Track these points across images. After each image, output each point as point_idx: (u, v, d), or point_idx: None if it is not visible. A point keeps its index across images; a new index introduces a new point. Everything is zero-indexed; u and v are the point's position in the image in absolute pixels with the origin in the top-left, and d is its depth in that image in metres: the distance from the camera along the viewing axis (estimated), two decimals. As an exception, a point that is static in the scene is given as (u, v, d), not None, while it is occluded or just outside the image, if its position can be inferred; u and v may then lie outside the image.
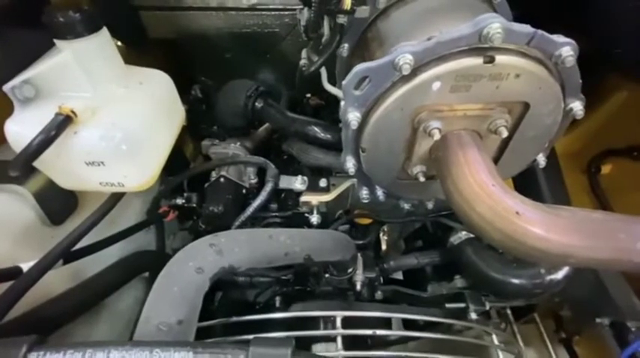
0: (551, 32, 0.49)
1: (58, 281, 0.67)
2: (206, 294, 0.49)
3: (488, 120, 0.55)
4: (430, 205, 0.76)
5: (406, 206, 0.80)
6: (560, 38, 0.48)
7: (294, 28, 1.11)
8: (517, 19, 0.85)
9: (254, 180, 1.01)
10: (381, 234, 0.95)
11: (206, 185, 0.99)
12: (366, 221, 0.90)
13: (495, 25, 0.45)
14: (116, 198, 0.70)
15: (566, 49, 0.47)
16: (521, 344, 1.00)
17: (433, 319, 0.65)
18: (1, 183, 0.64)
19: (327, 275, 0.82)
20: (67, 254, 0.60)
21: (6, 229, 0.62)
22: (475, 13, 0.53)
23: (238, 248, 0.53)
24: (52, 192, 0.68)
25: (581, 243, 0.45)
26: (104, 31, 0.61)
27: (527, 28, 0.47)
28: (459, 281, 0.89)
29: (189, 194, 1.01)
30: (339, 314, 0.59)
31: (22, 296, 0.50)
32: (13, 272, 0.52)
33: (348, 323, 0.65)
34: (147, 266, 0.87)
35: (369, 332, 0.60)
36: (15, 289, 0.49)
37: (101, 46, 0.60)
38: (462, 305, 0.83)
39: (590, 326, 0.88)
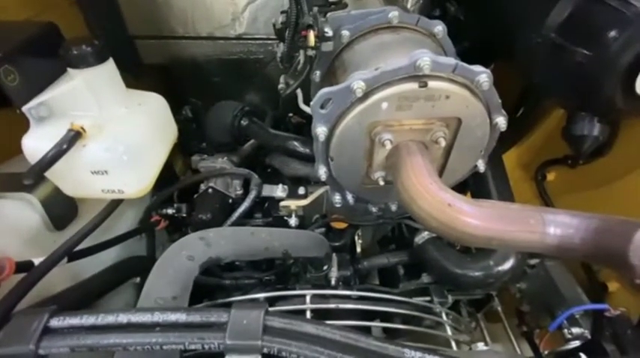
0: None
1: (58, 279, 0.74)
2: (193, 300, 0.56)
3: (430, 133, 0.68)
4: (394, 207, 0.88)
5: (374, 209, 0.91)
6: (477, 68, 0.62)
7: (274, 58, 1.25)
8: (469, 50, 1.01)
9: (240, 191, 1.11)
10: (356, 238, 1.06)
11: (195, 196, 1.09)
12: (342, 225, 1.01)
13: (426, 58, 0.59)
14: (114, 205, 0.79)
15: (483, 77, 0.61)
16: (488, 339, 1.10)
17: (395, 310, 0.75)
18: (12, 191, 0.73)
19: (308, 275, 0.91)
20: (71, 253, 0.68)
21: (16, 232, 0.70)
22: (418, 47, 0.68)
23: (224, 241, 0.63)
24: (57, 199, 0.77)
25: (499, 228, 0.57)
26: (110, 61, 0.72)
27: (450, 60, 0.61)
28: (425, 278, 1.00)
29: (179, 204, 1.11)
30: (309, 293, 0.69)
31: (34, 286, 0.58)
32: (26, 266, 0.60)
33: (322, 316, 0.74)
34: (138, 270, 0.95)
35: (332, 306, 0.69)
36: (28, 280, 0.57)
37: (108, 73, 0.72)
38: (428, 298, 0.94)
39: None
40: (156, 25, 1.33)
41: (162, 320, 0.44)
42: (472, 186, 1.00)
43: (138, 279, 0.99)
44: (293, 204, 0.90)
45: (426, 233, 0.96)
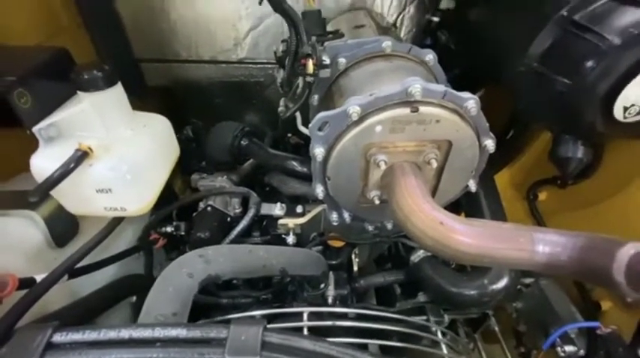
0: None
1: (55, 297, 0.74)
2: (191, 319, 0.57)
3: (422, 154, 0.71)
4: (390, 226, 0.90)
5: (371, 228, 0.93)
6: (465, 94, 0.66)
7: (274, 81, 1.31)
8: (460, 76, 1.07)
9: (238, 210, 1.13)
10: (352, 256, 1.07)
11: (194, 214, 1.11)
12: (339, 244, 1.02)
13: (417, 85, 0.63)
14: (115, 223, 0.81)
15: (471, 103, 0.65)
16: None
17: (391, 328, 0.76)
18: (17, 208, 0.74)
19: (305, 294, 0.92)
20: (72, 270, 0.69)
21: (19, 249, 0.72)
22: (410, 74, 0.73)
23: (223, 259, 0.65)
24: (60, 217, 0.79)
25: (490, 245, 0.59)
26: (119, 85, 0.76)
27: (440, 88, 0.65)
28: (421, 297, 1.01)
29: (177, 223, 1.12)
30: (306, 310, 0.69)
31: (35, 303, 0.59)
32: (29, 282, 0.61)
33: (319, 334, 0.74)
34: (136, 289, 0.95)
35: (329, 323, 0.70)
36: (30, 296, 0.58)
37: (116, 97, 0.76)
38: (424, 317, 0.94)
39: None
40: (160, 48, 1.39)
41: (162, 335, 0.45)
42: (465, 206, 1.03)
43: (134, 298, 0.99)
44: (291, 222, 0.92)
45: (422, 251, 0.98)
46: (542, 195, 1.16)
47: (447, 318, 0.95)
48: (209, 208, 1.07)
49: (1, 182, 0.89)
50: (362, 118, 0.67)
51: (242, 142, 1.13)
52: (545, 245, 0.60)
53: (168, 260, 1.26)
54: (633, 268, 0.50)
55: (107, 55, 1.30)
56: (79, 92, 0.74)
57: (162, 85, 1.46)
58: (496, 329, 1.12)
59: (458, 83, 0.88)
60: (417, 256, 0.98)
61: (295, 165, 1.04)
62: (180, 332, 0.45)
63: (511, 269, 0.90)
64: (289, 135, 1.40)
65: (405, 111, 0.65)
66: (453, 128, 0.68)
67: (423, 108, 0.65)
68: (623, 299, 0.86)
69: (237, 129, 1.15)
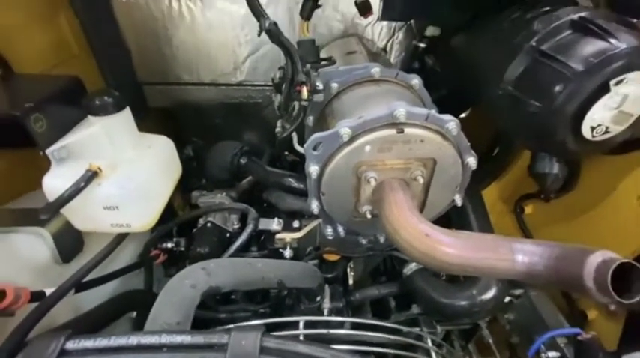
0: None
1: (58, 310, 0.77)
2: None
3: (409, 171, 0.77)
4: (382, 239, 0.94)
5: (364, 241, 0.97)
6: (446, 116, 0.73)
7: (271, 103, 1.39)
8: (446, 97, 1.14)
9: (237, 226, 1.18)
10: (348, 270, 1.11)
11: (194, 230, 1.15)
12: (334, 257, 1.06)
13: (402, 109, 0.70)
14: (119, 239, 0.85)
15: (451, 124, 0.72)
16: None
17: (383, 335, 0.79)
18: (27, 225, 0.79)
19: (302, 307, 0.95)
20: (79, 284, 0.73)
21: (28, 264, 0.75)
22: (397, 98, 0.79)
23: (223, 271, 0.69)
24: (67, 233, 0.83)
25: (473, 256, 0.64)
26: (127, 110, 0.83)
27: (423, 111, 0.71)
28: (415, 309, 1.04)
29: (178, 239, 1.16)
30: (302, 319, 0.73)
31: (46, 314, 0.62)
32: (39, 295, 0.65)
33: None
34: (137, 304, 0.98)
35: (323, 331, 0.73)
36: (40, 308, 0.62)
37: (124, 120, 0.82)
38: (418, 328, 0.97)
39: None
40: (163, 72, 1.47)
41: (168, 341, 0.49)
42: (455, 221, 1.08)
43: (134, 314, 1.02)
44: (288, 236, 0.96)
45: (414, 264, 1.02)
46: (529, 209, 1.21)
47: (439, 329, 0.98)
48: (209, 224, 1.12)
49: (8, 200, 0.93)
50: (352, 139, 0.73)
51: (241, 160, 1.19)
52: (524, 255, 0.65)
53: (166, 276, 1.29)
54: (601, 274, 0.54)
55: (113, 79, 1.37)
56: (89, 116, 0.80)
57: (164, 107, 1.53)
58: (490, 341, 1.15)
59: (445, 104, 0.95)
60: (409, 269, 1.02)
61: (292, 181, 1.09)
62: (185, 338, 0.49)
63: (499, 280, 0.94)
64: (286, 153, 1.46)
65: (392, 132, 0.71)
66: (436, 147, 0.74)
67: (407, 130, 0.71)
68: (607, 308, 0.91)
69: (236, 148, 1.20)
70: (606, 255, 0.56)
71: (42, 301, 0.63)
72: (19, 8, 1.05)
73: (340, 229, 0.91)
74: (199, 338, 0.50)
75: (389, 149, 0.74)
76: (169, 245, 1.13)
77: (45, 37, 1.15)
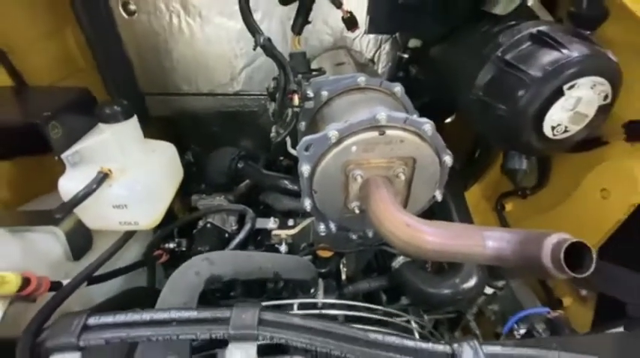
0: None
1: (73, 303, 0.84)
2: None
3: (392, 169, 0.85)
4: (370, 234, 1.02)
5: (354, 236, 1.05)
6: (423, 119, 0.82)
7: (266, 110, 1.48)
8: (429, 103, 1.24)
9: (235, 227, 1.25)
10: (341, 266, 1.18)
11: (194, 231, 1.22)
12: (327, 254, 1.14)
13: (382, 113, 0.79)
14: (126, 237, 0.93)
15: (427, 126, 0.81)
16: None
17: (373, 316, 0.86)
18: (42, 225, 0.86)
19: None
20: (90, 277, 0.80)
21: (42, 261, 0.82)
22: (380, 104, 0.88)
23: (224, 261, 0.76)
24: (78, 232, 0.90)
25: (447, 242, 0.72)
26: (134, 118, 0.91)
27: (401, 115, 0.80)
28: (404, 300, 1.11)
29: (179, 239, 1.23)
30: (297, 301, 0.80)
31: (63, 302, 0.69)
32: (57, 285, 0.72)
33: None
34: (141, 299, 1.04)
35: (315, 311, 0.80)
36: (58, 296, 0.68)
37: (132, 127, 0.90)
38: (406, 318, 1.04)
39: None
40: (163, 83, 1.57)
41: (177, 316, 0.56)
42: (439, 217, 1.16)
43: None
44: (283, 233, 1.04)
45: (401, 258, 1.10)
46: (509, 206, 1.30)
47: (426, 318, 1.06)
48: (208, 225, 1.19)
49: (22, 203, 1.00)
50: (340, 141, 0.81)
51: (239, 165, 1.27)
52: (494, 241, 0.73)
53: (166, 277, 1.35)
54: (556, 253, 0.62)
55: (116, 90, 1.46)
56: (100, 124, 0.88)
57: (165, 116, 1.61)
58: (477, 332, 1.22)
59: (429, 110, 1.04)
60: (397, 262, 1.10)
61: (287, 183, 1.18)
62: (192, 314, 0.56)
63: (479, 270, 1.02)
64: (281, 158, 1.55)
65: (374, 134, 0.80)
66: (414, 147, 0.83)
67: (388, 131, 0.80)
68: (579, 294, 0.99)
69: (234, 153, 1.29)
70: (560, 237, 0.64)
71: (59, 290, 0.70)
72: (30, 26, 1.14)
73: (332, 225, 0.99)
74: (205, 314, 0.57)
75: (373, 149, 0.82)
76: (171, 245, 1.20)
77: (54, 52, 1.24)
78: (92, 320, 0.56)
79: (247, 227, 1.06)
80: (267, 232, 1.10)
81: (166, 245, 1.20)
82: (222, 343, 0.54)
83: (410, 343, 0.54)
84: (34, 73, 1.12)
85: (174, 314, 0.56)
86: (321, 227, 0.99)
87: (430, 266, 1.16)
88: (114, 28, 1.42)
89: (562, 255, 0.60)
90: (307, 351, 0.57)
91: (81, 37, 1.34)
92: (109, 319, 0.56)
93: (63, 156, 0.83)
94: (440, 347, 0.54)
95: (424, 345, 0.54)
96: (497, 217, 1.31)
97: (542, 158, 1.09)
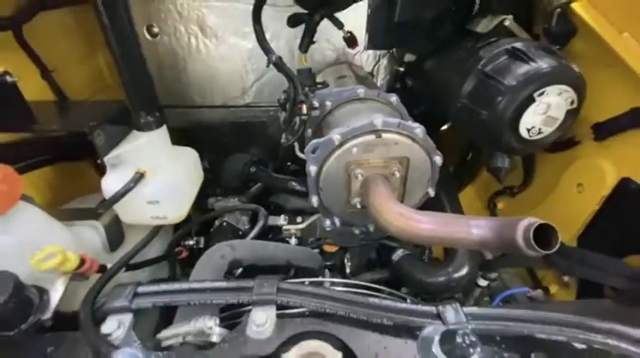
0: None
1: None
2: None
3: (388, 168, 0.98)
4: (371, 228, 1.15)
5: (357, 231, 1.17)
6: (414, 124, 0.95)
7: (276, 119, 1.63)
8: (425, 112, 1.38)
9: (248, 226, 1.38)
10: (345, 260, 1.30)
11: (211, 230, 1.35)
12: (332, 248, 1.26)
13: (379, 119, 0.92)
14: (155, 231, 1.06)
15: (417, 130, 0.94)
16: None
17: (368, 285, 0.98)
18: (84, 219, 1.00)
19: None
20: (127, 264, 0.93)
21: (87, 250, 0.95)
22: (377, 112, 1.02)
23: (244, 249, 0.89)
24: (114, 227, 1.04)
25: (437, 228, 0.84)
26: (164, 127, 1.06)
27: (395, 120, 0.94)
28: (404, 290, 1.22)
29: (197, 238, 1.36)
30: (306, 280, 0.92)
31: (108, 283, 0.82)
32: (103, 268, 0.85)
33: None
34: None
35: (307, 279, 0.92)
36: (105, 277, 0.81)
37: (162, 135, 1.04)
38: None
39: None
40: (181, 97, 1.73)
41: (210, 286, 0.69)
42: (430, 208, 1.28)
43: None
44: (293, 228, 1.17)
45: (401, 251, 1.22)
46: (501, 205, 1.42)
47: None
48: (224, 223, 1.32)
49: (60, 203, 1.15)
50: (342, 143, 0.95)
51: (251, 169, 1.41)
52: (478, 228, 0.85)
53: (183, 275, 1.47)
54: (527, 234, 0.74)
55: (138, 104, 1.62)
56: (135, 131, 1.02)
57: (182, 126, 1.77)
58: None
59: (426, 119, 1.17)
60: (397, 255, 1.22)
61: (295, 185, 1.31)
62: (222, 284, 0.69)
63: (470, 260, 1.13)
64: (289, 163, 1.69)
65: (372, 137, 0.93)
66: (408, 148, 0.96)
67: (384, 135, 0.94)
68: (562, 281, 1.10)
69: (246, 159, 1.44)
70: (531, 221, 0.76)
71: (106, 271, 0.83)
72: (70, 50, 1.32)
73: (337, 221, 1.12)
74: (232, 284, 0.69)
75: (371, 150, 0.96)
76: (190, 242, 1.33)
77: (88, 72, 1.41)
78: (141, 289, 0.68)
79: (260, 223, 1.19)
80: (278, 228, 1.23)
81: (186, 242, 1.33)
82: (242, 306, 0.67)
83: (402, 305, 0.66)
84: (72, 90, 1.29)
85: (208, 285, 0.69)
86: (327, 222, 1.12)
87: (427, 258, 1.27)
88: (138, 48, 1.59)
89: (531, 235, 0.72)
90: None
91: (109, 58, 1.51)
92: (155, 288, 0.68)
93: (105, 159, 0.97)
94: (427, 308, 0.65)
95: (414, 307, 0.66)
96: (490, 215, 1.42)
97: (526, 160, 1.22)
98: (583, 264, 1.00)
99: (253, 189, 1.52)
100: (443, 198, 1.23)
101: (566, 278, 1.07)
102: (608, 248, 0.97)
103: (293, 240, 1.17)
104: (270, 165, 1.62)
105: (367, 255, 1.37)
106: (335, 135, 0.94)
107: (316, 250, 1.21)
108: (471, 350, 0.49)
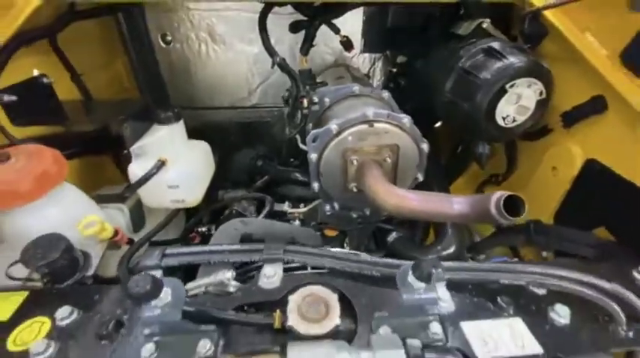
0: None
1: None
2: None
3: (380, 154, 1.12)
4: (367, 212, 1.28)
5: (354, 215, 1.30)
6: (402, 114, 1.09)
7: (281, 119, 1.78)
8: (417, 109, 1.52)
9: (254, 214, 1.51)
10: (344, 244, 1.43)
11: (221, 217, 1.48)
12: (332, 233, 1.39)
13: (370, 111, 1.06)
14: (174, 214, 1.20)
15: (405, 120, 1.08)
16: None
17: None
18: (112, 203, 1.14)
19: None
20: (150, 240, 1.07)
21: (114, 229, 1.09)
22: (370, 106, 1.16)
23: (254, 225, 1.02)
24: (137, 210, 1.17)
25: (425, 205, 0.97)
26: (182, 121, 1.20)
27: (384, 111, 1.08)
28: (398, 270, 1.34)
29: (209, 225, 1.50)
30: (308, 249, 1.05)
31: (134, 254, 0.95)
32: (131, 241, 0.98)
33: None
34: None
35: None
36: (134, 247, 0.94)
37: (179, 128, 1.19)
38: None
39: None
40: (190, 99, 1.89)
41: (227, 248, 0.82)
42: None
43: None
44: (296, 211, 1.30)
45: (395, 233, 1.34)
46: (488, 192, 1.54)
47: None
48: (233, 211, 1.45)
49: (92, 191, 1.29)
50: (339, 132, 1.09)
51: (258, 163, 1.55)
52: (459, 203, 0.97)
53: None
54: (498, 204, 0.87)
55: (156, 103, 1.78)
56: (156, 125, 1.17)
57: (191, 126, 1.91)
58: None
59: (419, 116, 1.29)
60: (392, 237, 1.34)
61: (298, 175, 1.45)
62: (237, 247, 0.82)
63: (457, 240, 1.26)
64: (292, 159, 1.83)
65: (365, 126, 1.07)
66: (397, 136, 1.10)
67: (376, 124, 1.07)
68: (541, 256, 1.22)
69: (253, 153, 1.58)
70: (502, 193, 0.89)
71: (134, 243, 0.97)
72: (94, 57, 1.48)
73: (335, 205, 1.25)
74: (245, 246, 0.83)
75: (365, 139, 1.10)
76: (203, 229, 1.46)
77: (109, 75, 1.57)
78: (169, 251, 0.82)
79: (267, 208, 1.32)
80: (282, 213, 1.36)
81: (199, 229, 1.46)
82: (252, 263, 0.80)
83: (389, 260, 0.79)
84: (96, 91, 1.45)
85: (225, 247, 0.83)
86: (327, 207, 1.25)
87: (418, 239, 1.39)
88: (153, 55, 1.75)
89: (502, 204, 0.85)
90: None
91: (127, 64, 1.68)
92: (181, 250, 0.82)
93: (131, 149, 1.12)
94: (407, 262, 0.78)
95: (398, 261, 0.78)
96: (479, 202, 1.54)
97: (509, 150, 1.35)
98: (558, 239, 1.13)
99: (259, 182, 1.66)
100: (434, 188, 1.36)
101: (544, 254, 1.19)
102: (580, 223, 1.09)
103: (297, 223, 1.30)
104: (275, 161, 1.76)
105: (365, 238, 1.50)
106: (333, 125, 1.08)
107: (318, 233, 1.34)
108: (434, 270, 0.62)
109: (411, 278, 0.67)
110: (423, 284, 0.66)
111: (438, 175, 1.42)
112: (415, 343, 0.57)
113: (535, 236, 1.16)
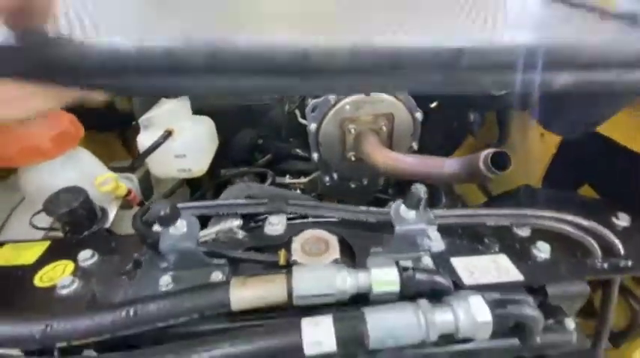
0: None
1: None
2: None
3: (376, 123, 1.19)
4: (365, 182, 1.35)
5: (353, 185, 1.37)
6: (396, 88, 1.16)
7: (279, 101, 1.85)
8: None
9: (257, 191, 1.58)
10: (344, 217, 1.50)
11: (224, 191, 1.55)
12: (332, 204, 1.45)
13: (367, 80, 1.13)
14: (182, 182, 1.27)
15: (399, 91, 1.15)
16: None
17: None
18: (122, 173, 1.20)
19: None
20: (159, 206, 1.13)
21: (124, 197, 1.16)
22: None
23: (258, 188, 1.09)
24: (146, 180, 1.24)
25: (418, 166, 1.04)
26: (186, 97, 1.27)
27: (381, 81, 1.15)
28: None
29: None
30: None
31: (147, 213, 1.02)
32: (142, 203, 1.05)
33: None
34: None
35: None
36: (145, 208, 1.01)
37: (185, 102, 1.26)
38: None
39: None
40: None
41: (235, 202, 0.89)
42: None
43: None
44: (297, 181, 1.37)
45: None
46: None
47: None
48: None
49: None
50: (337, 102, 1.16)
51: (259, 141, 1.62)
52: (449, 164, 1.04)
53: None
54: (486, 160, 0.93)
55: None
56: (163, 98, 1.24)
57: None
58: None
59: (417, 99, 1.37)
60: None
61: (298, 151, 1.52)
62: (243, 201, 0.89)
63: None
64: (291, 139, 1.90)
65: (361, 96, 1.14)
66: (392, 105, 1.17)
67: (372, 94, 1.14)
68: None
69: (254, 132, 1.64)
70: (490, 150, 0.96)
71: (144, 205, 1.03)
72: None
73: (334, 175, 1.32)
74: (251, 201, 0.90)
75: (361, 108, 1.17)
76: (207, 204, 1.53)
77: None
78: (181, 205, 0.88)
79: (268, 182, 1.39)
80: (284, 186, 1.43)
81: (203, 203, 1.53)
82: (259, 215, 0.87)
83: (381, 209, 0.86)
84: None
85: (233, 201, 0.90)
86: (326, 178, 1.32)
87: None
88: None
89: (489, 160, 0.92)
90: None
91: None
92: (191, 204, 0.89)
93: (139, 120, 1.18)
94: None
95: (387, 210, 0.86)
96: (478, 185, 1.62)
97: (500, 118, 1.42)
98: (546, 200, 1.20)
99: (261, 160, 1.73)
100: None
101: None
102: (566, 184, 1.17)
103: (297, 192, 1.37)
104: (275, 140, 1.83)
105: (363, 211, 1.56)
106: (331, 96, 1.15)
107: (318, 203, 1.41)
108: (423, 196, 0.69)
109: (402, 209, 0.74)
110: (413, 213, 0.73)
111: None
112: (407, 264, 0.64)
113: (524, 199, 1.24)
